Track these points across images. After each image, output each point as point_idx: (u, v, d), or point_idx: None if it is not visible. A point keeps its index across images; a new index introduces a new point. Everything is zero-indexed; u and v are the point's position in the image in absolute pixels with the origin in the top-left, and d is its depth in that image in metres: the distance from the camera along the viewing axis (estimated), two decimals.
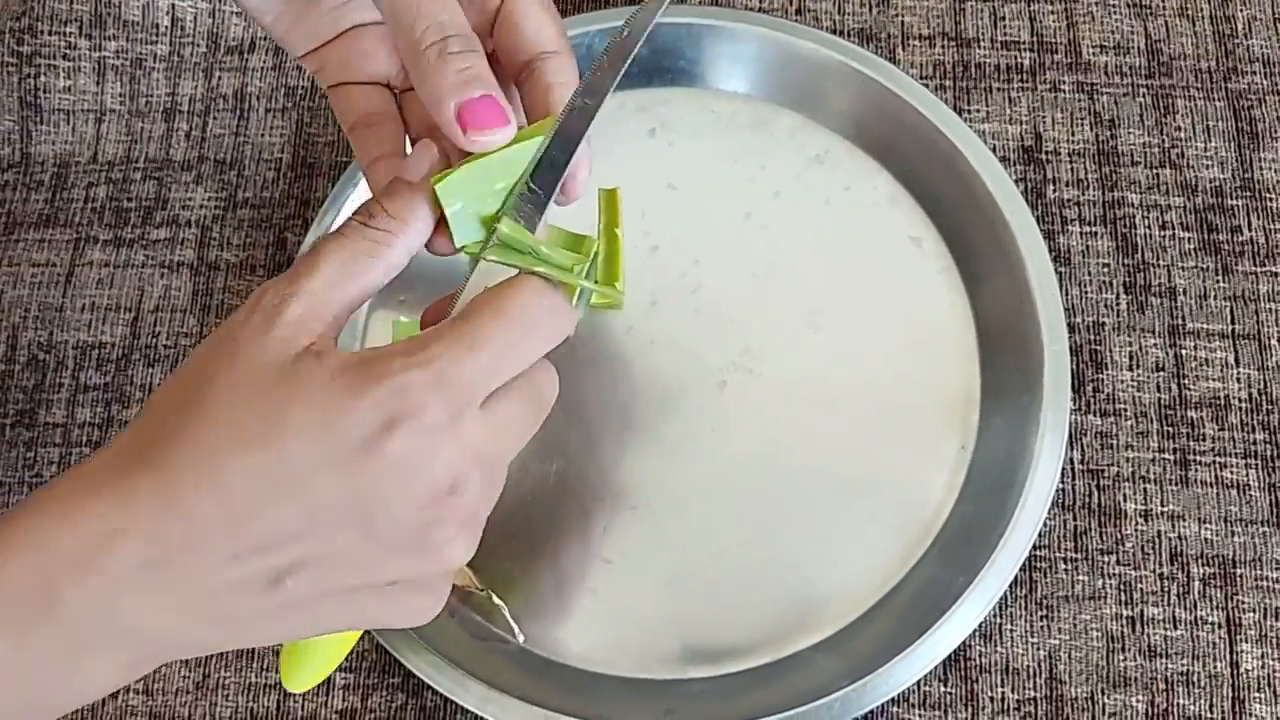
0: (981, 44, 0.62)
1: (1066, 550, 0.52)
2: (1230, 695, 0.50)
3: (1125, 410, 0.54)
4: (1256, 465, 0.53)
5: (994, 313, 0.56)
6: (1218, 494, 0.53)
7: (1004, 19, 0.62)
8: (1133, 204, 0.58)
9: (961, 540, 0.52)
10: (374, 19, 0.45)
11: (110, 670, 0.35)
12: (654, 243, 0.58)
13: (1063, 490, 0.53)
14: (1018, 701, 0.50)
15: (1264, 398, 0.54)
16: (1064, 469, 0.53)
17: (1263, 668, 0.50)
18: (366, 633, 0.51)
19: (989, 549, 0.50)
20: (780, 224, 0.58)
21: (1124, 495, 0.53)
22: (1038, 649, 0.51)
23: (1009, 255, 0.55)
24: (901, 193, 0.58)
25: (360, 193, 0.57)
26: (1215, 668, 0.50)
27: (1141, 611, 0.51)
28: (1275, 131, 0.59)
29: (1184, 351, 0.55)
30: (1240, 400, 0.54)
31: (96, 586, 0.33)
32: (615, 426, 0.55)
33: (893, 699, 0.49)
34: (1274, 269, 0.57)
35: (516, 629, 0.51)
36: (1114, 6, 0.62)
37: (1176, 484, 0.53)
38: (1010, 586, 0.50)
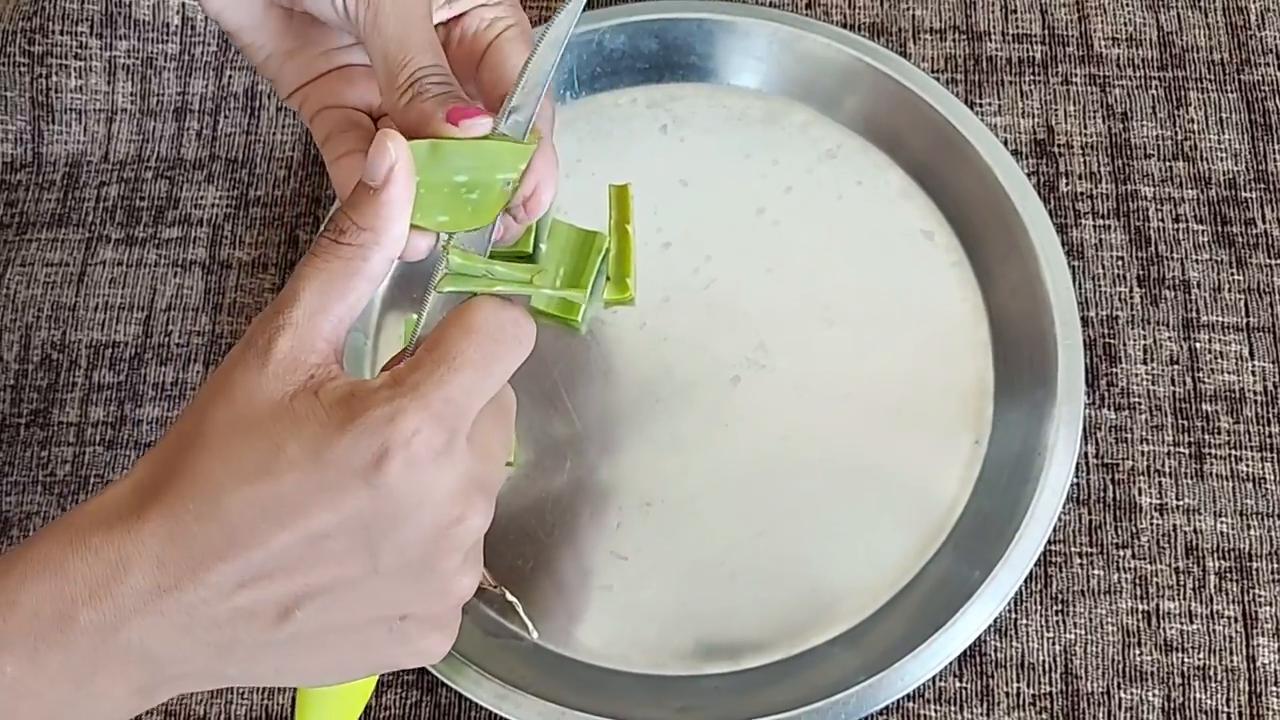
0: (993, 37, 0.61)
1: (1082, 545, 0.52)
2: (1247, 689, 0.50)
3: (1140, 404, 0.54)
4: (1272, 458, 0.53)
5: (1007, 307, 0.55)
6: (1233, 487, 0.53)
7: (1015, 12, 0.62)
8: (1146, 197, 0.58)
9: (976, 535, 0.52)
10: (363, 61, 0.45)
11: (122, 694, 0.36)
12: (666, 239, 0.57)
13: (1077, 485, 0.53)
14: (1033, 696, 0.50)
15: (1279, 390, 0.54)
16: (1078, 463, 0.53)
17: (1279, 662, 0.50)
18: None
19: (1004, 544, 0.50)
20: (792, 219, 0.58)
21: (1139, 489, 0.53)
22: (1053, 644, 0.51)
23: (1022, 249, 0.55)
24: (914, 187, 0.58)
25: None
26: (1232, 662, 0.50)
27: (1157, 606, 0.51)
28: None
29: (1198, 345, 0.55)
30: (1255, 393, 0.54)
31: (109, 611, 0.34)
32: (628, 422, 0.54)
33: (908, 694, 0.49)
34: None
35: (530, 625, 0.51)
36: None
37: (1192, 478, 0.53)
38: (1025, 581, 0.50)
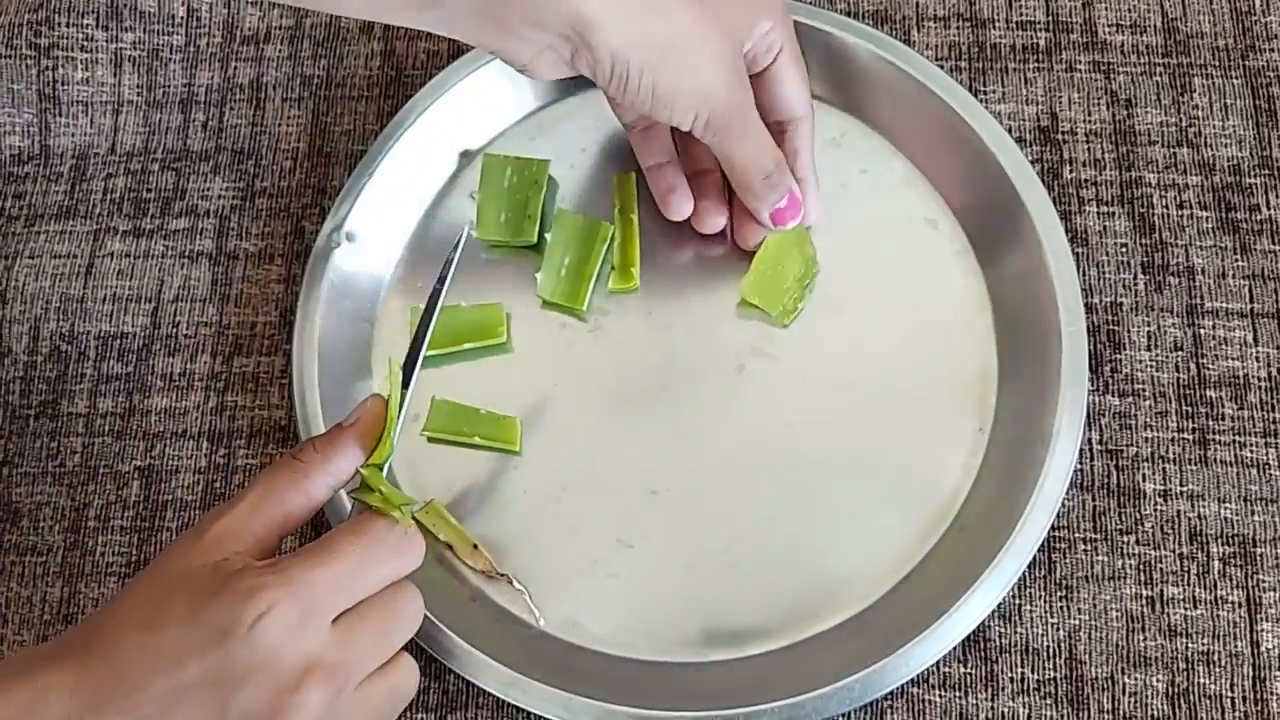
0: (997, 24, 0.61)
1: (1086, 531, 0.52)
2: (1250, 674, 0.50)
3: (1144, 390, 0.54)
4: (1276, 444, 0.53)
5: (1011, 294, 0.55)
6: (1237, 473, 0.53)
7: None
8: (1150, 183, 0.58)
9: (980, 522, 0.52)
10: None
11: None
12: (671, 227, 0.58)
13: (1081, 471, 0.53)
14: (1037, 682, 0.50)
15: None
16: (1082, 450, 0.53)
17: None
18: None
19: (1008, 530, 0.50)
20: None
21: (1143, 475, 0.53)
22: (1057, 629, 0.51)
23: (1025, 236, 0.55)
24: (917, 175, 0.58)
25: (376, 182, 0.57)
26: (1235, 647, 0.50)
27: (1161, 591, 0.51)
28: None
29: (1203, 331, 0.55)
30: (1259, 379, 0.54)
31: None
32: (634, 411, 0.55)
33: (912, 680, 0.49)
34: None
35: (537, 613, 0.51)
36: None
37: (1196, 464, 0.53)
38: (1029, 567, 0.51)
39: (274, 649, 0.40)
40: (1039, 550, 0.51)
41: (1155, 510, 0.53)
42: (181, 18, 0.63)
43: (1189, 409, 0.54)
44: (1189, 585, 0.51)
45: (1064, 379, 0.52)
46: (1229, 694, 0.50)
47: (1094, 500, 0.53)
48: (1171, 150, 0.58)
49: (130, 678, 0.40)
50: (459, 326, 0.56)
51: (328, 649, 0.41)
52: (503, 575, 0.52)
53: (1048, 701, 0.50)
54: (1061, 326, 0.53)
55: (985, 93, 0.60)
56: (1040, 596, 0.51)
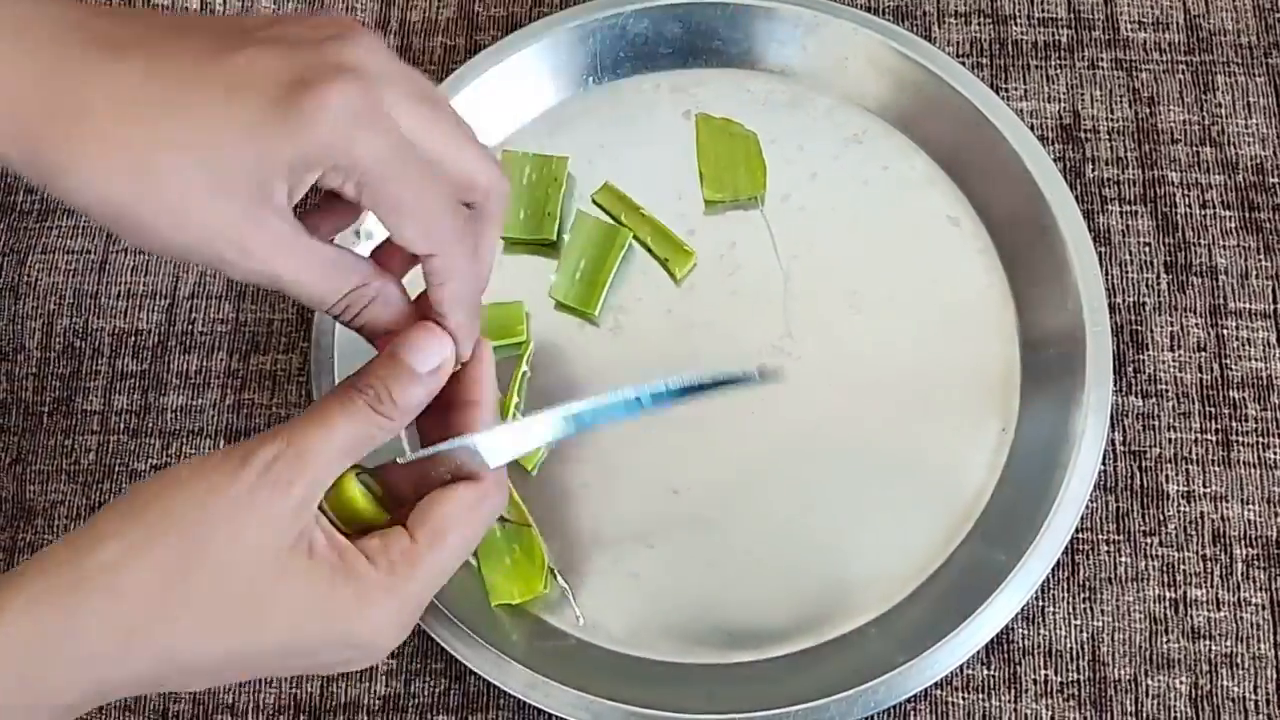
0: (1018, 21, 0.61)
1: (1109, 532, 0.52)
2: (1274, 677, 0.50)
3: (1167, 391, 0.54)
4: None
5: (1034, 293, 0.55)
6: (1260, 475, 0.53)
7: None
8: (1173, 182, 0.58)
9: (1004, 522, 0.51)
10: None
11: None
12: (690, 226, 0.57)
13: (1104, 472, 0.53)
14: (1061, 684, 0.50)
15: None
16: (1105, 450, 0.53)
17: None
18: None
19: (1032, 531, 0.50)
20: (818, 205, 0.57)
21: (1166, 476, 0.53)
22: (1080, 631, 0.51)
23: (1048, 235, 0.55)
24: (939, 173, 0.58)
25: None
26: (1259, 649, 0.50)
27: (1184, 593, 0.51)
28: None
29: (1226, 331, 0.55)
30: None
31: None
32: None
33: (935, 682, 0.49)
34: None
35: (579, 611, 0.51)
36: None
37: (1219, 465, 0.53)
38: (1052, 569, 0.50)
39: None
40: (1062, 552, 0.50)
41: (1178, 512, 0.52)
42: (195, 10, 0.62)
43: (1212, 410, 0.54)
44: (1212, 587, 0.51)
45: (1089, 379, 0.52)
46: (1252, 696, 0.50)
47: (1117, 501, 0.52)
48: (1194, 149, 0.58)
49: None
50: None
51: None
52: (550, 569, 0.51)
53: (1071, 704, 0.50)
54: (1085, 326, 0.53)
55: (1007, 90, 0.59)
56: (1063, 598, 0.51)
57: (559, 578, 0.51)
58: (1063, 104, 0.59)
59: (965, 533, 0.52)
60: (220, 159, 0.35)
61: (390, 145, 0.37)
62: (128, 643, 0.35)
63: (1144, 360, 0.55)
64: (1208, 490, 0.53)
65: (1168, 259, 0.56)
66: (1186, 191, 0.57)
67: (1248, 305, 0.55)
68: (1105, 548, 0.52)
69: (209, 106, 0.35)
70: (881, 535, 0.52)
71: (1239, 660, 0.50)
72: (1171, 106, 0.59)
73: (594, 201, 0.58)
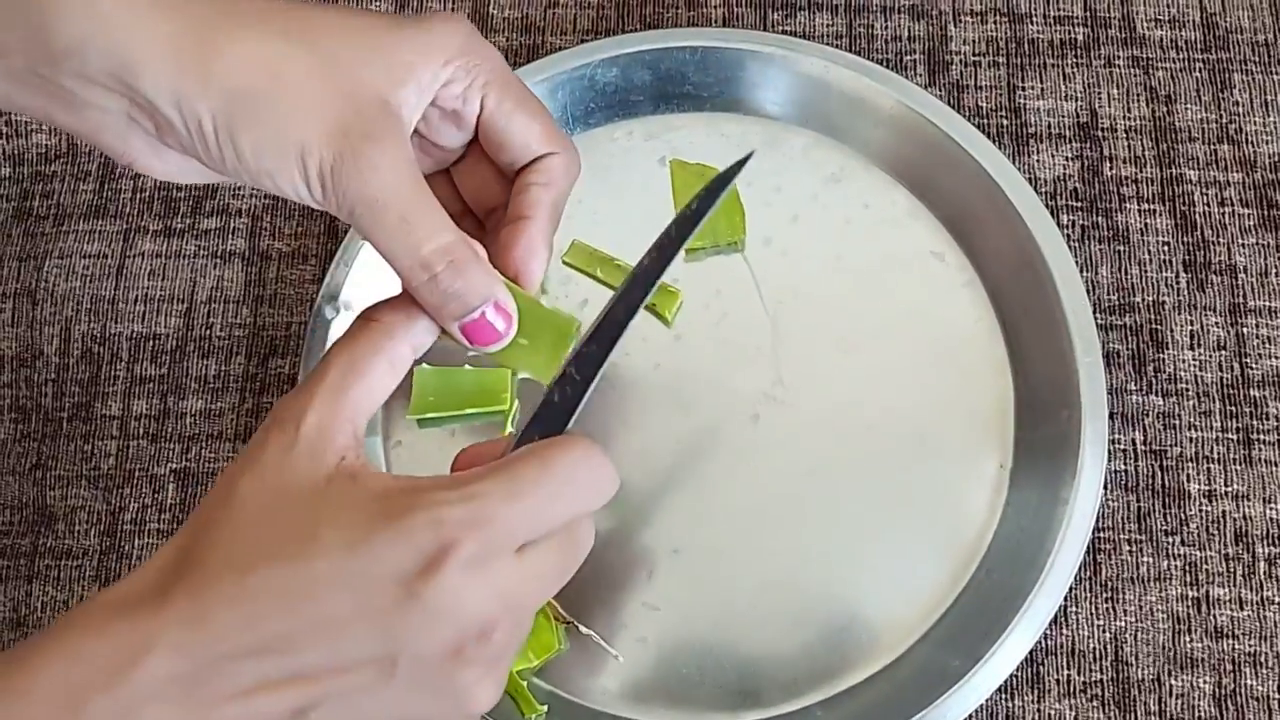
0: (1034, 19, 0.61)
1: (1130, 532, 0.52)
2: None
3: (1187, 390, 0.54)
4: None
5: (1022, 325, 0.54)
6: None
7: None
8: (1191, 181, 0.57)
9: (1009, 561, 0.51)
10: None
11: None
12: (672, 274, 0.54)
13: (1125, 472, 0.53)
14: (1084, 684, 0.50)
15: None
16: (1126, 450, 0.53)
17: None
18: None
19: (1037, 569, 0.49)
20: (801, 247, 0.56)
21: (1187, 476, 0.53)
22: (1103, 631, 0.51)
23: (1033, 265, 0.54)
24: (919, 207, 0.57)
25: None
26: None
27: (1207, 592, 0.51)
28: None
29: (1246, 329, 0.55)
30: None
31: (124, 697, 0.33)
32: (649, 468, 0.53)
33: None
34: None
35: (615, 651, 0.50)
36: None
37: (1240, 463, 0.53)
38: (1076, 570, 0.50)
39: (458, 592, 0.33)
40: (1085, 553, 0.50)
41: (1200, 511, 0.52)
42: None
43: (1233, 409, 0.54)
44: (1235, 586, 0.51)
45: (1084, 412, 0.51)
46: (1276, 695, 0.50)
47: (1139, 501, 0.52)
48: (1212, 147, 0.58)
49: (262, 625, 0.33)
50: (463, 391, 0.53)
51: (509, 587, 0.35)
52: (569, 622, 0.51)
53: (1094, 704, 0.50)
54: (1077, 356, 0.52)
55: (1024, 89, 0.59)
56: (1086, 598, 0.51)
57: (580, 627, 0.50)
58: (1080, 103, 0.59)
59: (970, 573, 0.51)
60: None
61: (503, 62, 0.42)
62: None
63: (1164, 359, 0.55)
64: (1229, 489, 0.53)
65: (1186, 258, 0.56)
66: (1205, 190, 0.57)
67: (1267, 303, 0.55)
68: (1127, 548, 0.52)
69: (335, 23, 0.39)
70: (887, 580, 0.51)
71: (1263, 659, 0.50)
72: (1189, 105, 0.59)
73: (564, 262, 0.56)
